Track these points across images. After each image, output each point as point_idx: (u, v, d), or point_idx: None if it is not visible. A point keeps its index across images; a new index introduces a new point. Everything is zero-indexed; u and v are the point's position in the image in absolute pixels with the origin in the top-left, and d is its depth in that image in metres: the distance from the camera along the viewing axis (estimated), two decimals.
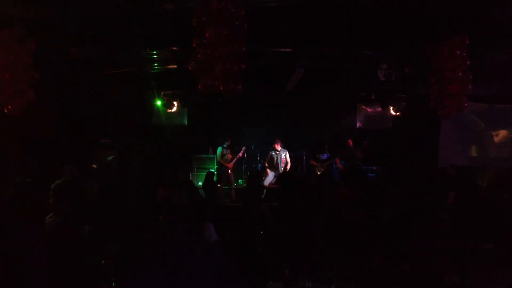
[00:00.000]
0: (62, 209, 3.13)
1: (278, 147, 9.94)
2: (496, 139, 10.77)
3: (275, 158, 9.93)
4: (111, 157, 9.46)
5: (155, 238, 3.14)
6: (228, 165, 9.82)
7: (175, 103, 10.33)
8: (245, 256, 4.91)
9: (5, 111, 6.11)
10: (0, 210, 3.38)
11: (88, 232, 3.25)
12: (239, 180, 10.62)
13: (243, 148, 10.14)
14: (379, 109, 10.93)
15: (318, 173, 10.17)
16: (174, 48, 7.45)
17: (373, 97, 10.06)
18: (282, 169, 9.78)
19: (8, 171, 7.23)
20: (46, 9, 5.99)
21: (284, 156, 9.93)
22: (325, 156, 10.28)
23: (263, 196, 6.84)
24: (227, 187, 9.83)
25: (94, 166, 8.73)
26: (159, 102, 10.07)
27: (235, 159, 9.95)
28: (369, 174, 10.26)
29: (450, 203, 7.44)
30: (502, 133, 10.66)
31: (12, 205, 3.48)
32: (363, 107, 11.52)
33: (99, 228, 3.45)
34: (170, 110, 10.40)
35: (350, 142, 10.01)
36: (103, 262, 3.85)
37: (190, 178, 9.92)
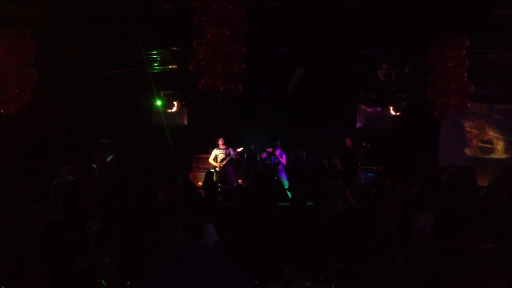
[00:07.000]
0: (62, 209, 3.12)
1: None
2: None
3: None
4: (111, 157, 9.46)
5: (156, 239, 3.14)
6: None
7: (175, 103, 10.32)
8: (245, 256, 4.93)
9: (1, 111, 6.09)
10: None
11: (97, 229, 3.24)
12: (238, 180, 10.59)
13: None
14: (379, 109, 10.94)
15: None
16: (174, 48, 7.44)
17: (373, 97, 10.06)
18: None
19: (9, 172, 7.23)
20: (46, 9, 5.98)
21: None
22: None
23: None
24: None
25: (94, 166, 8.73)
26: (159, 102, 10.05)
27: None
28: (369, 174, 10.27)
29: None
30: None
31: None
32: (363, 107, 11.52)
33: (100, 228, 3.45)
34: (170, 110, 10.39)
35: (348, 142, 9.98)
36: (105, 261, 3.84)
37: (190, 178, 9.92)
